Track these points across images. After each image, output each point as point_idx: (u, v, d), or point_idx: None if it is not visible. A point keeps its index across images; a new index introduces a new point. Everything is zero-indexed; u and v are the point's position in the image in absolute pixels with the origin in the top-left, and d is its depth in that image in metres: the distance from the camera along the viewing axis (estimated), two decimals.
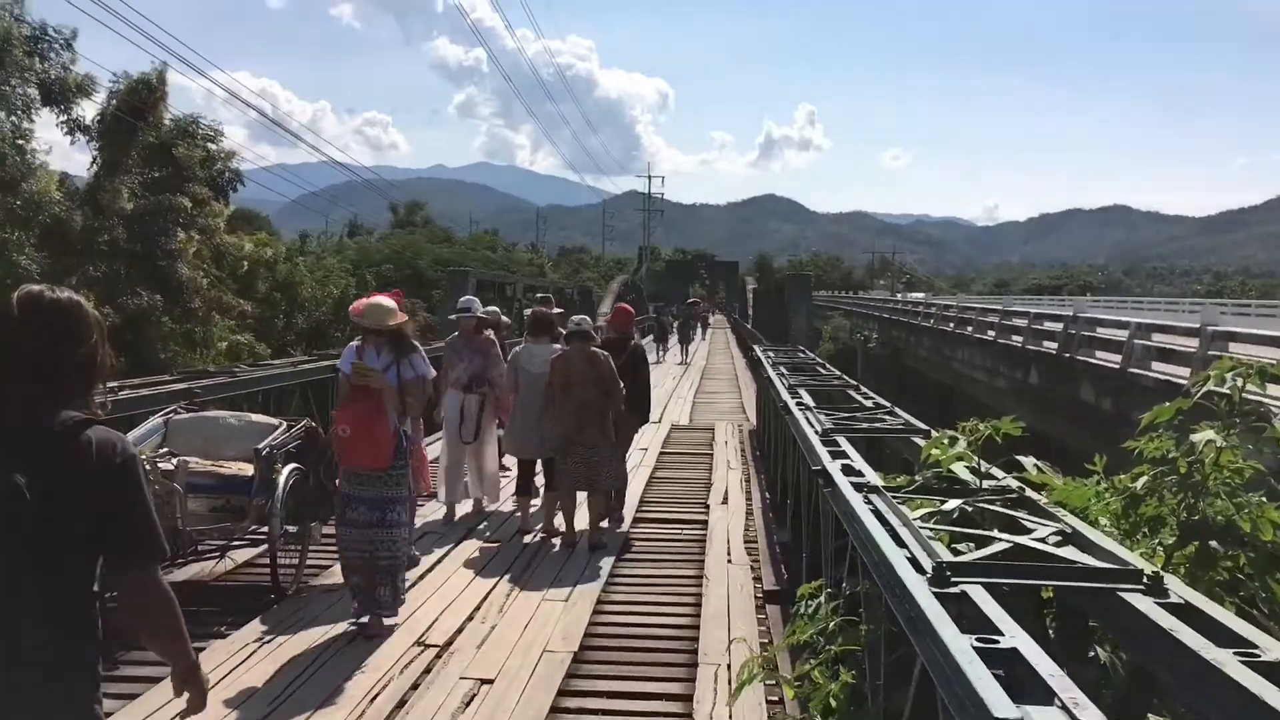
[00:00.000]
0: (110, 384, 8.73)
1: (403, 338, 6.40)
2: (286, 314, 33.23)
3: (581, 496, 8.38)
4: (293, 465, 6.68)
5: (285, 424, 6.92)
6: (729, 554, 8.03)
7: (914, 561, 2.98)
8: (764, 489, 10.99)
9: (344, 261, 48.31)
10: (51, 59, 18.12)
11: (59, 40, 18.21)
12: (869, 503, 3.82)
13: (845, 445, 5.32)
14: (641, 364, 9.53)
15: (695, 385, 24.94)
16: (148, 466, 5.91)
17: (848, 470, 4.59)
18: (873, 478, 4.29)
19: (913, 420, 6.45)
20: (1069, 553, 3.11)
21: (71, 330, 2.30)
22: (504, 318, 11.64)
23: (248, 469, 6.40)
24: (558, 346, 8.54)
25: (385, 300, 6.45)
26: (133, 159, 19.68)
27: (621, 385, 8.24)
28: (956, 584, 2.73)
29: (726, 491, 10.60)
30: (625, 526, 8.91)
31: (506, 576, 7.29)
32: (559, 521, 8.35)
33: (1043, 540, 3.20)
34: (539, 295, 9.86)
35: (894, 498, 3.83)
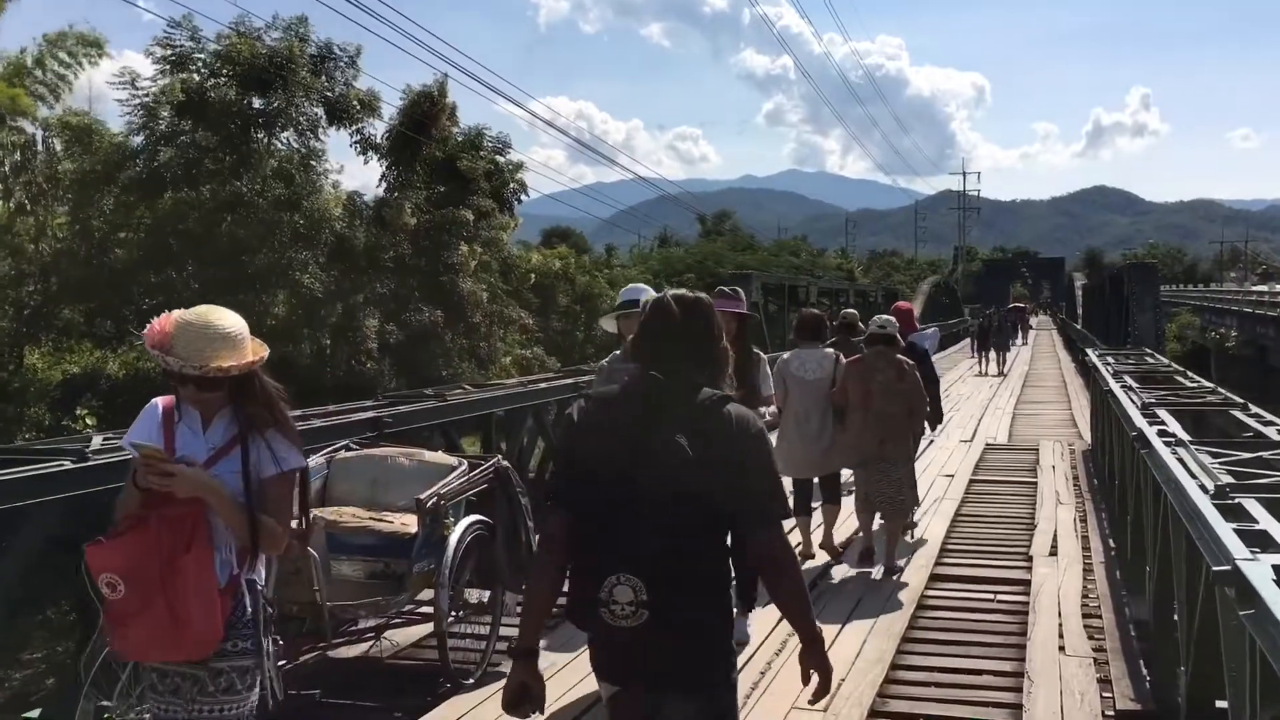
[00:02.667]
0: (296, 413, 7.82)
1: (256, 391, 2.94)
2: (586, 327, 33.45)
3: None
4: (473, 518, 5.27)
5: (466, 464, 5.50)
6: (1061, 638, 5.87)
7: None
8: (1106, 534, 8.59)
9: (646, 272, 48.11)
10: (336, 77, 18.33)
11: (344, 58, 18.38)
12: None
13: (1265, 519, 3.19)
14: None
15: (1015, 394, 21.98)
16: None
17: None
18: None
19: None
20: None
21: (711, 322, 2.76)
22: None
23: (411, 524, 5.03)
24: (829, 350, 7.61)
25: (221, 317, 2.88)
26: (417, 174, 19.61)
27: (926, 399, 7.73)
28: None
29: (1055, 537, 8.30)
30: (919, 586, 6.96)
31: (750, 664, 5.49)
32: (839, 540, 7.76)
33: None
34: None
35: None
